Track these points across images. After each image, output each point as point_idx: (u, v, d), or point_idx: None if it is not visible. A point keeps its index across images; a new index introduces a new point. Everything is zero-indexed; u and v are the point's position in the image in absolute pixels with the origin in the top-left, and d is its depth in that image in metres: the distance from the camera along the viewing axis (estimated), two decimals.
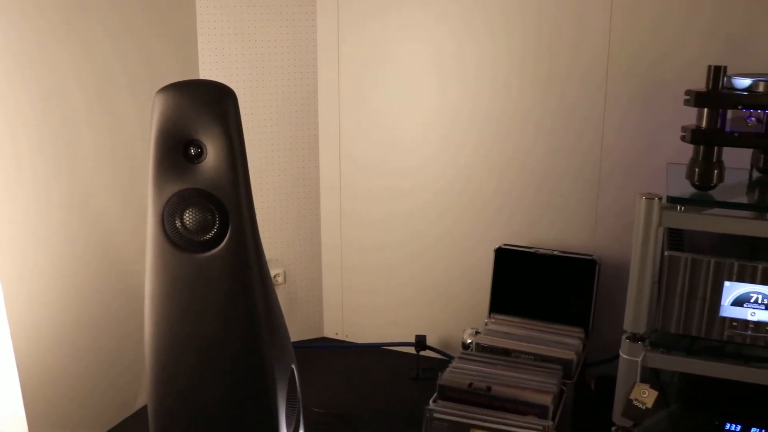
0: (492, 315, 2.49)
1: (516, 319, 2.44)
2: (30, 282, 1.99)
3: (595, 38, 2.33)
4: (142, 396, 2.44)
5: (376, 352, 2.87)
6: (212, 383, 1.68)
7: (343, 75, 2.67)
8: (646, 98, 2.32)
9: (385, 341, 2.88)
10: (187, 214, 1.58)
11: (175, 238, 1.59)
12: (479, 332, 2.38)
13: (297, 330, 2.91)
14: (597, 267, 2.38)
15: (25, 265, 1.96)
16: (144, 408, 2.44)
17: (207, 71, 2.55)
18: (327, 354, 2.86)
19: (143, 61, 2.29)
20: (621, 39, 2.30)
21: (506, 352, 2.25)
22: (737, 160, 2.00)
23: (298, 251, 2.84)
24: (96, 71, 2.12)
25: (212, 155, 1.55)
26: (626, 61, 2.31)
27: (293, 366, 1.87)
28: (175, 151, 1.55)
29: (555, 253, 2.45)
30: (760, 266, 1.73)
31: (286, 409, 1.79)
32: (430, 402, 2.01)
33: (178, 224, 1.59)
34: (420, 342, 2.67)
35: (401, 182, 2.70)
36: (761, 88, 1.74)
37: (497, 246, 2.52)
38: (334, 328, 2.96)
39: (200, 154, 1.56)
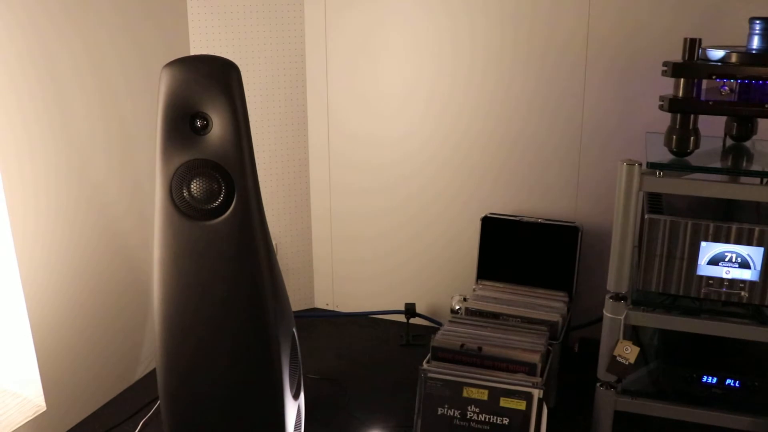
0: (479, 281, 2.58)
1: (502, 285, 2.54)
2: (41, 261, 2.05)
3: (575, 12, 2.41)
4: (141, 367, 2.51)
5: (366, 320, 2.96)
6: (219, 346, 1.76)
7: (330, 46, 2.72)
8: (624, 70, 2.41)
9: (375, 310, 2.97)
10: (194, 184, 1.65)
11: (182, 206, 1.66)
12: (467, 298, 2.47)
13: None
14: (579, 233, 2.48)
15: (36, 246, 2.02)
16: (142, 379, 2.51)
17: (198, 47, 2.60)
18: (319, 323, 2.94)
19: (134, 41, 2.34)
20: (600, 13, 2.39)
21: (494, 316, 2.35)
22: (712, 129, 2.11)
23: (288, 224, 2.91)
24: (88, 50, 2.17)
25: (218, 127, 1.62)
26: (605, 35, 2.40)
27: (294, 330, 1.96)
28: (182, 123, 1.62)
29: (539, 220, 2.55)
30: (734, 227, 1.84)
31: (289, 370, 1.87)
32: (424, 363, 2.10)
33: (186, 193, 1.66)
34: (409, 310, 2.75)
35: (389, 155, 2.77)
36: (734, 58, 1.84)
37: (483, 215, 2.61)
38: (324, 299, 3.05)
39: (206, 126, 1.63)
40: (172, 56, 1.90)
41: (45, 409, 2.10)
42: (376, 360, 2.64)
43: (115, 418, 2.28)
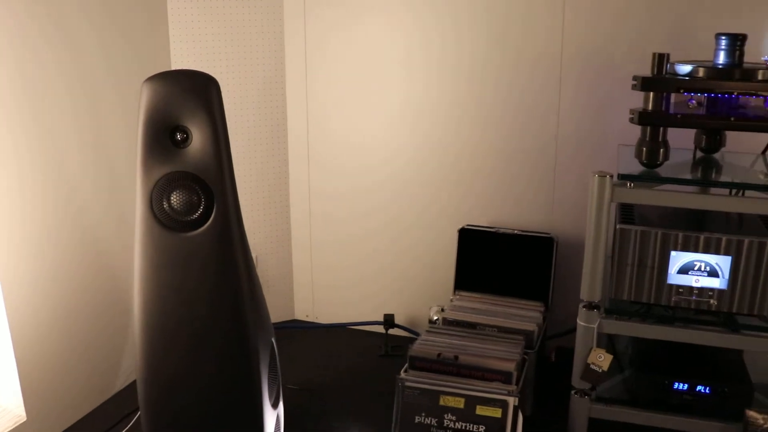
0: (457, 292, 2.62)
1: (480, 296, 2.57)
2: (23, 271, 2.06)
3: (549, 27, 2.46)
4: (121, 378, 2.52)
5: (345, 332, 2.98)
6: (199, 356, 1.78)
7: (309, 60, 2.76)
8: (597, 84, 2.45)
9: (354, 321, 2.99)
10: (174, 196, 1.68)
11: (162, 218, 1.69)
12: (445, 309, 2.50)
13: None
14: (555, 244, 2.52)
15: (20, 257, 2.03)
16: (122, 390, 2.52)
17: (177, 64, 2.64)
18: (298, 334, 2.96)
19: (123, 54, 2.37)
20: (574, 28, 2.44)
21: (471, 326, 2.38)
22: (683, 141, 2.16)
23: (268, 236, 2.93)
24: (75, 62, 2.19)
25: (197, 140, 1.65)
26: (579, 50, 2.45)
27: (273, 340, 1.98)
28: (163, 136, 1.65)
29: (515, 232, 2.59)
30: (702, 236, 1.89)
31: (268, 380, 1.90)
32: (401, 372, 2.13)
33: (166, 205, 1.68)
34: (388, 320, 2.78)
35: (367, 174, 2.81)
36: (701, 73, 1.89)
37: (460, 226, 2.65)
38: (304, 310, 3.07)
39: (186, 139, 1.66)
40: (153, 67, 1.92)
41: (25, 419, 2.10)
42: (355, 370, 2.67)
43: (96, 429, 2.29)
